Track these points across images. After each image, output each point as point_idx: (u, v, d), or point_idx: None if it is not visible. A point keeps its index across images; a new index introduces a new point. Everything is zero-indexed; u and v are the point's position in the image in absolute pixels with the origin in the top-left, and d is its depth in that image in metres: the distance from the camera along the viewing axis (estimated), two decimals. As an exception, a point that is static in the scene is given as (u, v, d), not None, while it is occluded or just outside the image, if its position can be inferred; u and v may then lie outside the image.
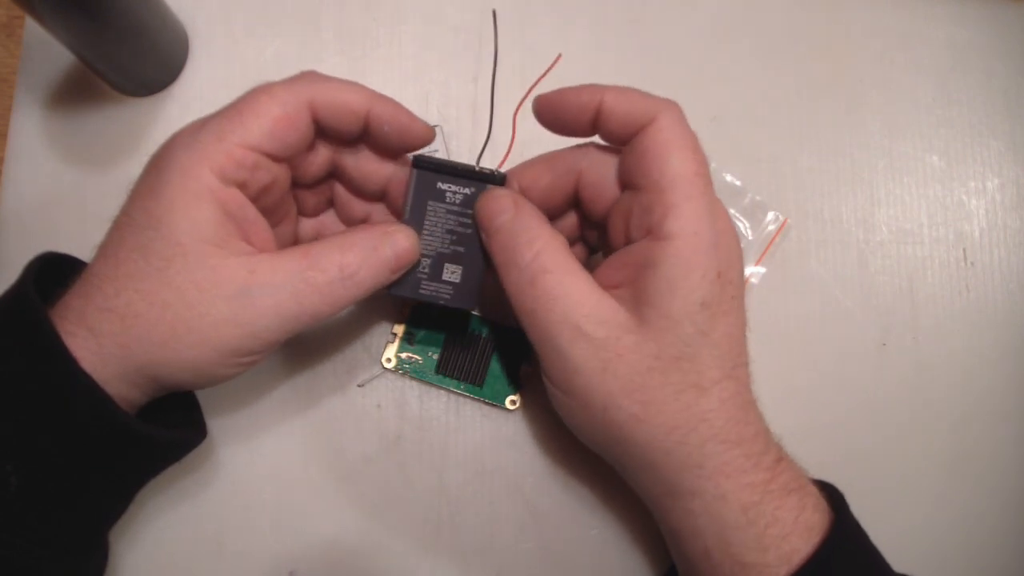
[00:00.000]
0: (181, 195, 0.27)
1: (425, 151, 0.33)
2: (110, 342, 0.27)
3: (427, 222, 0.32)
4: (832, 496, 0.31)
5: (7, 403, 0.26)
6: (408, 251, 0.31)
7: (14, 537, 0.27)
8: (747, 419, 0.29)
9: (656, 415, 0.28)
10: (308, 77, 0.30)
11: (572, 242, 0.35)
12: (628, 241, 0.30)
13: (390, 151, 0.32)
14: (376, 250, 0.30)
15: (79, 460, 0.27)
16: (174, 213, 0.27)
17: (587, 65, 0.42)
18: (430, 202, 0.32)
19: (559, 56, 0.32)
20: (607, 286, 0.30)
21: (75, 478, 0.27)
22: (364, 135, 0.31)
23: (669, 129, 0.29)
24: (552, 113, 0.31)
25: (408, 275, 0.33)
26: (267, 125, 0.28)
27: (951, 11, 0.44)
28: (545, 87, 0.31)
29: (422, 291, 0.33)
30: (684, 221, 0.28)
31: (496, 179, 0.32)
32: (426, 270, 0.33)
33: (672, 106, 0.29)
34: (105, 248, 0.29)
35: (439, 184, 0.32)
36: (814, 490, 0.30)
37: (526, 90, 0.32)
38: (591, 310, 0.28)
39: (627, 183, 0.30)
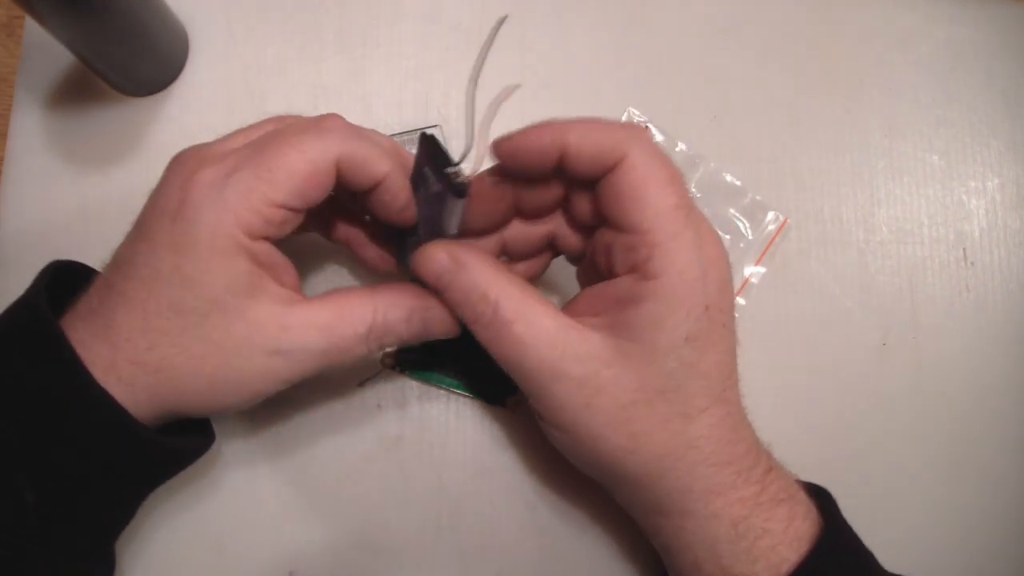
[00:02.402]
0: (211, 255, 0.27)
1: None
2: (144, 394, 0.28)
3: (418, 200, 0.32)
4: (823, 501, 0.31)
5: (22, 415, 0.27)
6: (442, 324, 0.31)
7: (28, 543, 0.27)
8: (737, 438, 0.29)
9: (644, 444, 0.28)
10: (336, 130, 0.29)
11: (540, 250, 0.34)
12: (611, 272, 0.29)
13: (377, 213, 0.31)
14: (408, 322, 0.30)
15: (93, 470, 0.27)
16: (208, 274, 0.27)
17: (587, 64, 0.42)
18: (420, 184, 0.31)
19: (517, 85, 0.30)
20: (586, 313, 0.29)
21: (90, 488, 0.28)
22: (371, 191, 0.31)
23: (642, 165, 0.27)
24: (513, 160, 0.29)
25: (404, 248, 0.32)
26: (295, 184, 0.28)
27: (951, 11, 0.44)
28: (537, 99, 0.29)
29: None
30: (669, 259, 0.27)
31: (458, 190, 0.31)
32: (418, 246, 0.32)
33: (640, 137, 0.28)
34: (131, 300, 0.28)
35: (425, 169, 0.31)
36: (804, 498, 0.30)
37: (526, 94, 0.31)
38: (565, 349, 0.28)
39: (606, 221, 0.29)
